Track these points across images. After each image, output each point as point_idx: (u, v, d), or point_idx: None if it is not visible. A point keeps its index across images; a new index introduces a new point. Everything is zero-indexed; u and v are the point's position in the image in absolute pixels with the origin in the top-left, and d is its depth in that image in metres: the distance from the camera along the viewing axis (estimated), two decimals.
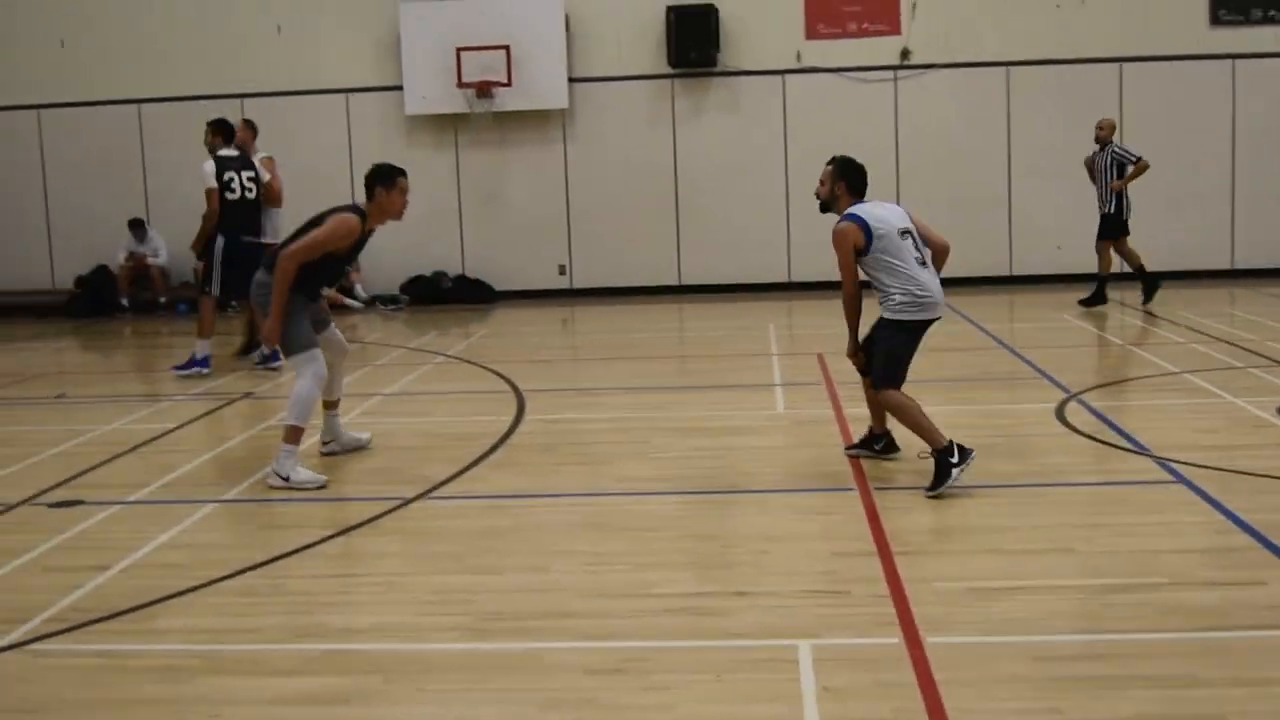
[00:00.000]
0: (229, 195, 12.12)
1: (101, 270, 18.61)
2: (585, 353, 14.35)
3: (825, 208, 7.63)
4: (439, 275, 18.42)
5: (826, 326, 14.19)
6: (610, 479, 7.71)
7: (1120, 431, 8.42)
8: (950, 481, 7.02)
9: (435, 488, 7.58)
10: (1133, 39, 17.71)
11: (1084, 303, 15.17)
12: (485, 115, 18.08)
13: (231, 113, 18.29)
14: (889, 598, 5.45)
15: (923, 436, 7.25)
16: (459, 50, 17.79)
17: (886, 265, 7.31)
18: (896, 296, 7.32)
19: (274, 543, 6.61)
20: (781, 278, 18.11)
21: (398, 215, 8.02)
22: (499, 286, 18.46)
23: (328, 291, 8.41)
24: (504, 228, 18.54)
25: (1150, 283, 15.15)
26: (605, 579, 5.86)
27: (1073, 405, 9.32)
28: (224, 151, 12.27)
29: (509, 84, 17.82)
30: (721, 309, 16.50)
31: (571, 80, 18.11)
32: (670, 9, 17.87)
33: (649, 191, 18.30)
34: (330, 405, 8.55)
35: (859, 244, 7.28)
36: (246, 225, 12.25)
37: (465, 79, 17.82)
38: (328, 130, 18.55)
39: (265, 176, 12.53)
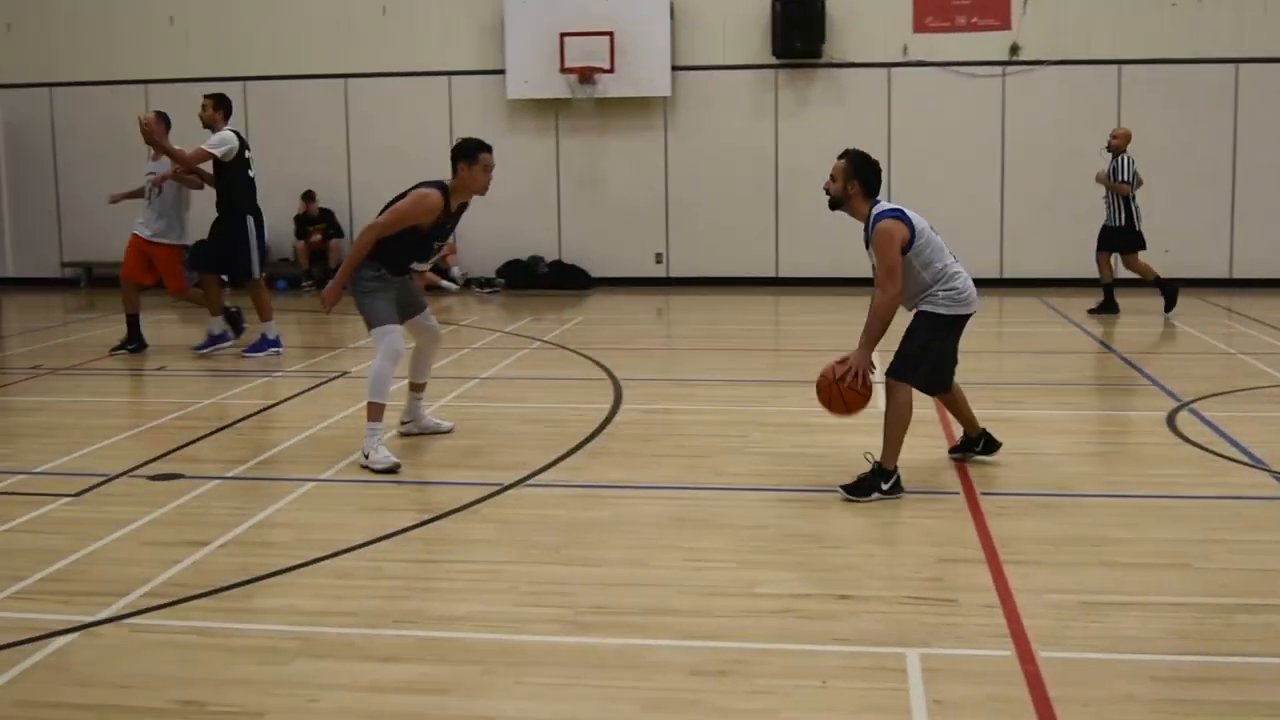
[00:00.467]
0: (250, 173, 12.03)
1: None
2: (681, 343, 14.24)
3: (835, 205, 7.20)
4: (535, 260, 18.39)
5: None
6: (710, 473, 7.58)
7: (1234, 443, 8.15)
8: (862, 500, 6.89)
9: (532, 475, 7.51)
10: (1250, 39, 17.24)
11: (1094, 311, 14.88)
12: (587, 101, 18.00)
13: (336, 93, 18.54)
14: (999, 608, 5.29)
15: (887, 446, 7.04)
16: (562, 35, 17.74)
17: (927, 262, 7.05)
18: (939, 293, 7.08)
19: (372, 525, 6.57)
20: None
21: (481, 190, 7.94)
22: (595, 273, 18.40)
23: (421, 266, 8.28)
24: (602, 214, 18.47)
25: (1170, 291, 14.69)
26: (707, 576, 5.74)
27: (1184, 414, 9.06)
28: (233, 129, 12.05)
29: (612, 70, 17.73)
30: (818, 303, 16.30)
31: (675, 68, 17.98)
32: None
33: (749, 182, 18.14)
34: (416, 388, 8.55)
35: (904, 241, 6.99)
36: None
37: (568, 64, 17.76)
38: (429, 112, 18.57)
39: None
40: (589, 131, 18.39)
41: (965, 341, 7.43)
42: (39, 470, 7.91)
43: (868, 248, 7.19)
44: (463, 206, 8.11)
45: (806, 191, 17.87)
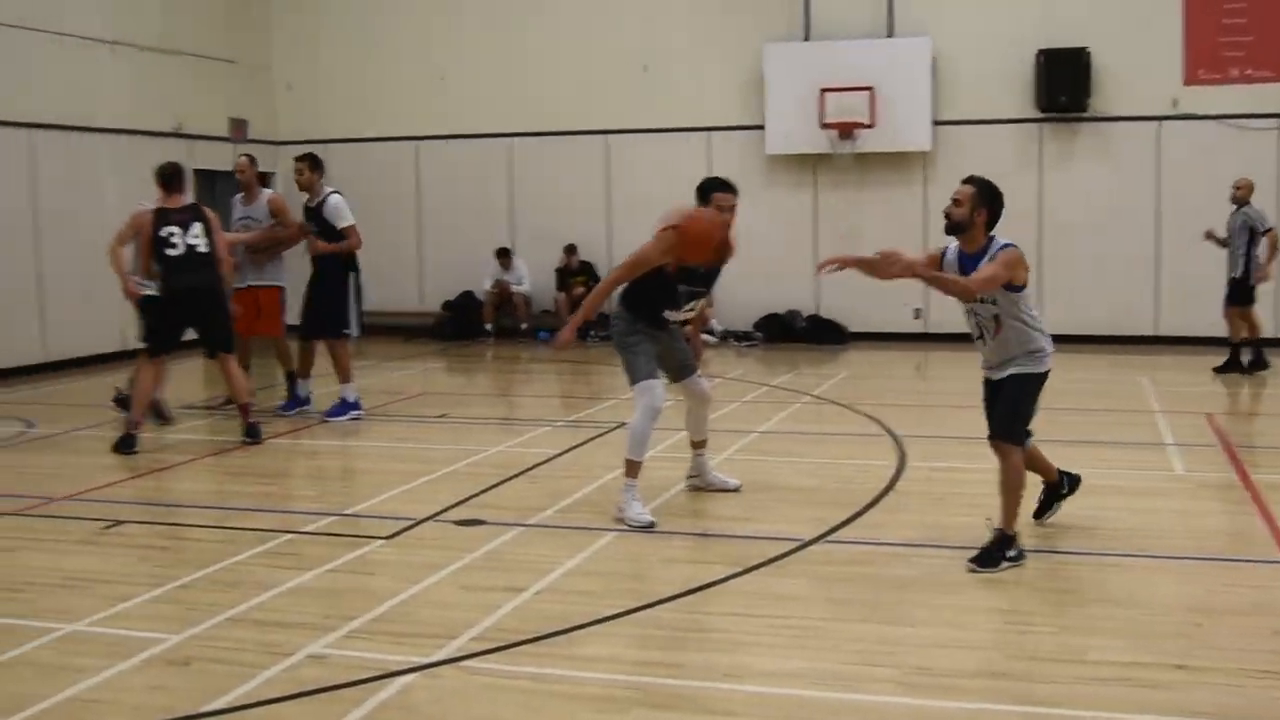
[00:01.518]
0: None
1: (467, 295, 19.33)
2: (951, 399, 13.91)
3: (955, 230, 6.93)
4: (793, 314, 18.40)
5: (1210, 384, 13.60)
6: None
7: None
8: (993, 571, 6.62)
9: (832, 531, 7.49)
10: None
11: (1219, 370, 14.32)
12: (846, 156, 17.97)
13: (597, 150, 18.94)
14: None
15: (1006, 509, 6.83)
16: (822, 91, 17.77)
17: (1028, 308, 6.92)
18: (1040, 346, 6.94)
19: (680, 577, 6.64)
20: (1148, 330, 17.38)
21: (722, 231, 7.84)
22: (852, 328, 18.30)
23: (675, 315, 8.11)
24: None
25: (1259, 358, 14.12)
26: (1032, 641, 5.63)
27: None
28: (333, 188, 11.90)
29: (872, 125, 17.69)
30: (1085, 360, 15.83)
31: (935, 122, 17.84)
32: (1041, 52, 17.43)
33: (1011, 237, 17.77)
34: (696, 445, 8.55)
35: (1024, 281, 6.87)
36: None
37: (828, 119, 17.78)
38: (689, 168, 18.60)
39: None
40: (847, 186, 18.37)
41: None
42: (348, 512, 8.23)
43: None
44: (718, 253, 8.01)
45: (1073, 247, 17.60)
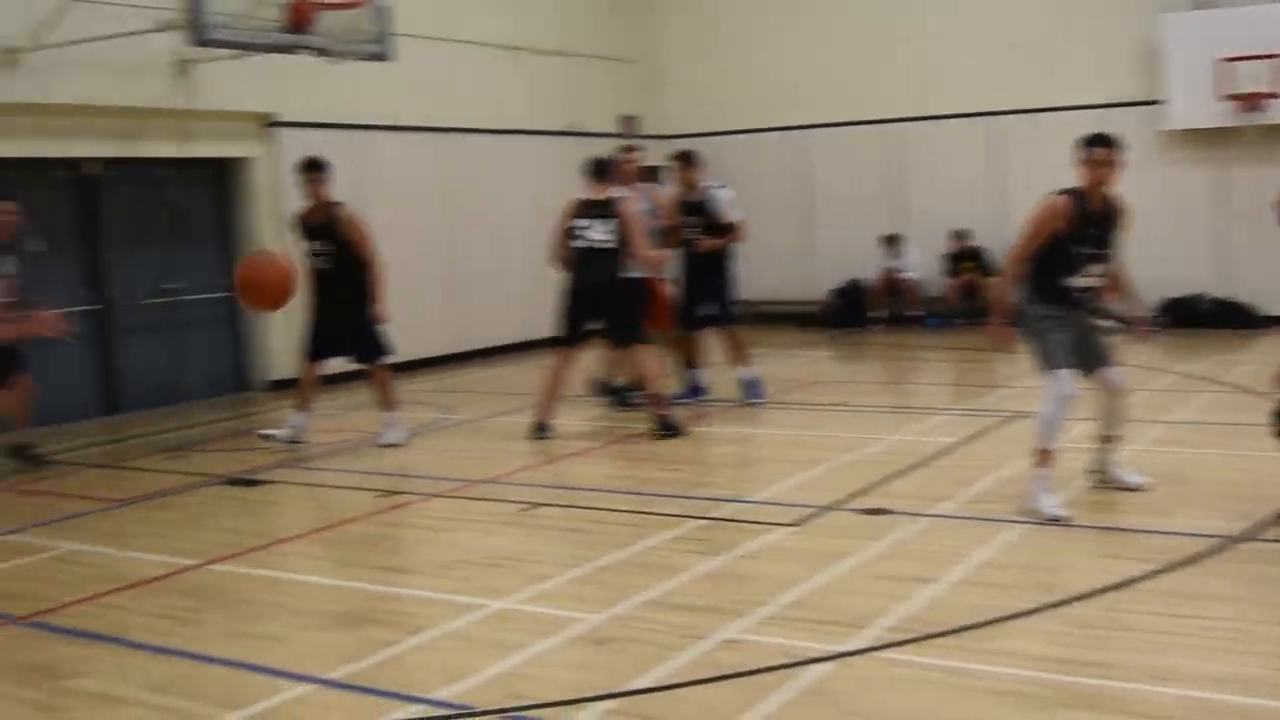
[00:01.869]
0: None
1: (854, 283, 19.29)
2: None
3: None
4: (1197, 297, 17.50)
5: None
6: None
7: None
8: None
9: (1262, 528, 7.10)
10: None
11: None
12: (1253, 129, 16.97)
13: (985, 132, 18.55)
14: None
15: None
16: (1226, 61, 16.81)
17: None
18: None
19: (1097, 571, 6.45)
20: None
21: (1091, 185, 7.63)
22: (1265, 310, 17.25)
23: (1079, 281, 7.80)
24: (1272, 248, 17.29)
25: None
26: None
27: None
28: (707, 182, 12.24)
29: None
30: None
31: None
32: None
33: None
34: (1105, 439, 8.22)
35: None
36: None
37: (1231, 91, 16.81)
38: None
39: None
40: (1256, 161, 17.29)
41: None
42: (753, 499, 8.39)
43: None
44: (1108, 217, 7.79)
45: None
